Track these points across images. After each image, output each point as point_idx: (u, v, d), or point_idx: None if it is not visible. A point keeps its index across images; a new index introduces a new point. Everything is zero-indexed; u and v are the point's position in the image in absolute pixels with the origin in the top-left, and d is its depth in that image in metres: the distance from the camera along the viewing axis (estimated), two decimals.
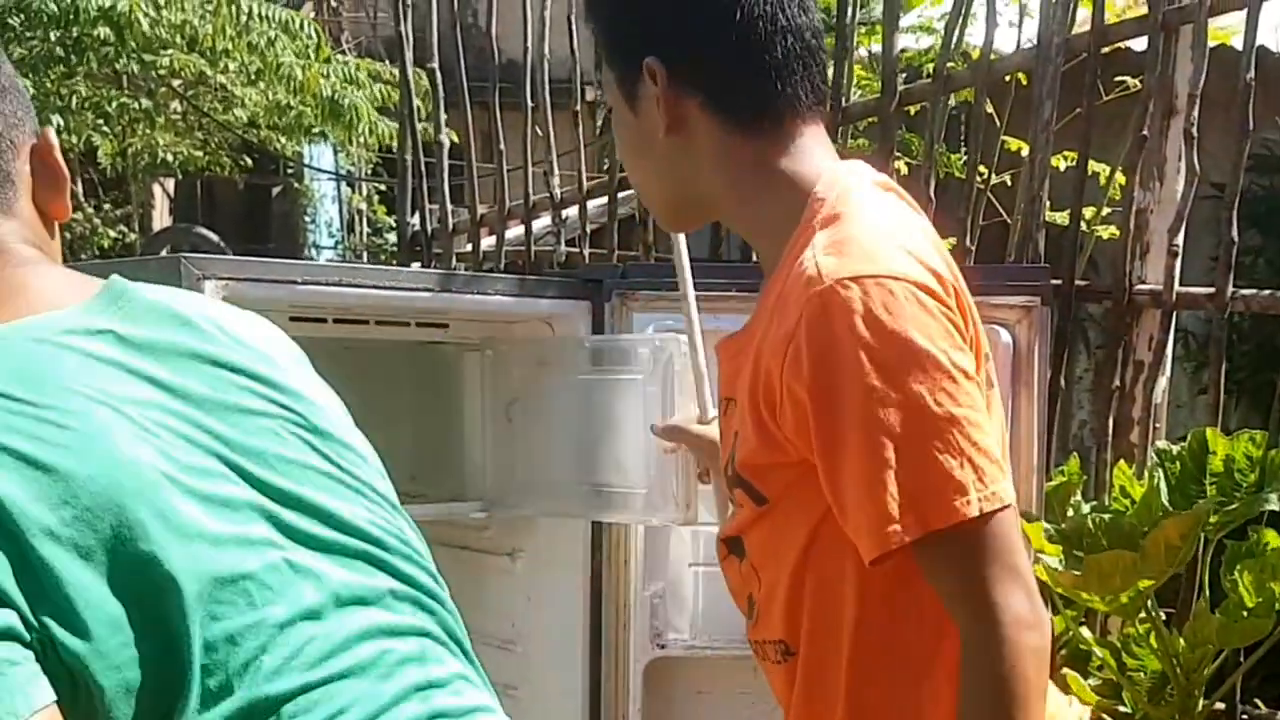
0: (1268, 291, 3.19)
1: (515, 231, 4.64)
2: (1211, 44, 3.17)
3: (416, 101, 4.59)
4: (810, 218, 1.32)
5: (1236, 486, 2.71)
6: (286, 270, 2.35)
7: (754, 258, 4.00)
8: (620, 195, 4.19)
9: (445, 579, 1.23)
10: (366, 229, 12.44)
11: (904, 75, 3.75)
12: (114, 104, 9.46)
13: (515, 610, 2.78)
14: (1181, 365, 5.61)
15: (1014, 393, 2.48)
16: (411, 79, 4.47)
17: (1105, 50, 3.37)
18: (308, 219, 13.12)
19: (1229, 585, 2.64)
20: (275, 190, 14.06)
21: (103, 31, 7.85)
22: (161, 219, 13.73)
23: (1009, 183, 4.09)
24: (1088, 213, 3.71)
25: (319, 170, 12.34)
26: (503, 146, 4.30)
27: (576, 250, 4.37)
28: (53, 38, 8.28)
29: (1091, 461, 3.31)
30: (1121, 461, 3.00)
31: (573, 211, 4.42)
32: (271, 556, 1.10)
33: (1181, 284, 3.22)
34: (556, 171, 4.28)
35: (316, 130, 9.96)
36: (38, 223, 1.23)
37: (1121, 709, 2.90)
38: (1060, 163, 3.84)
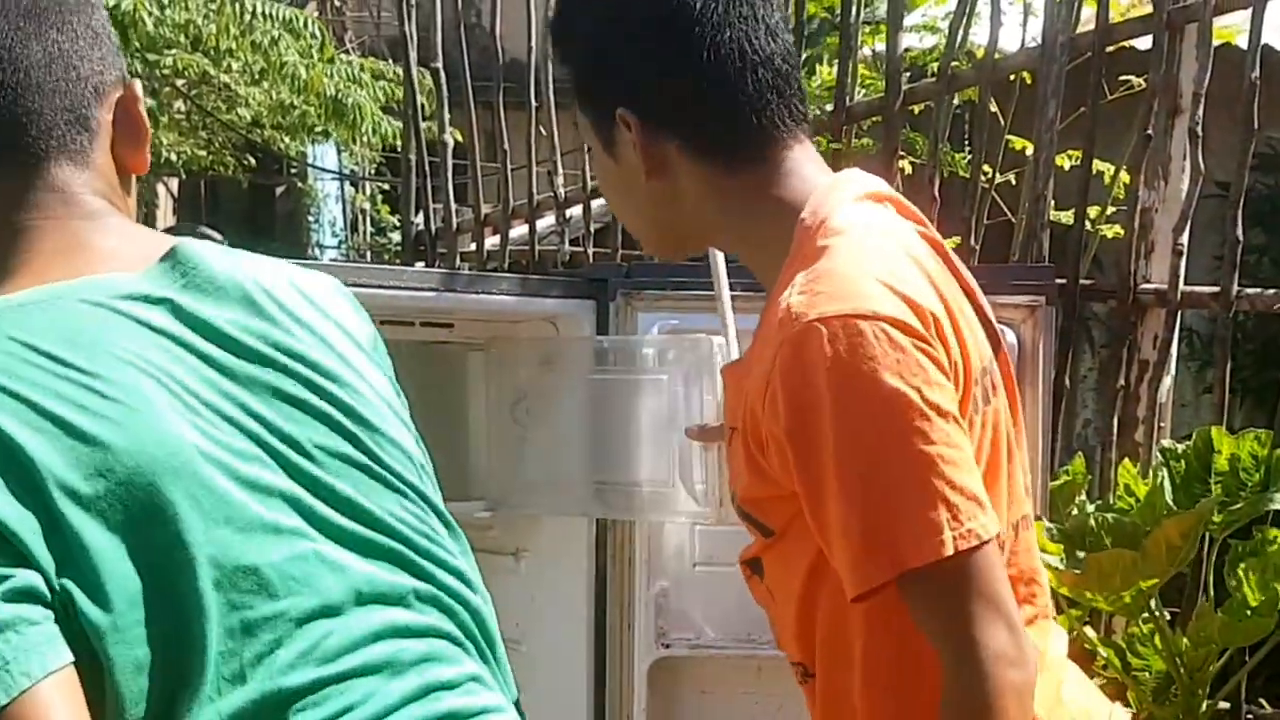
0: (1272, 290, 3.19)
1: (519, 231, 4.64)
2: (1216, 43, 3.17)
3: (420, 101, 4.58)
4: (797, 249, 1.32)
5: (1241, 486, 2.70)
6: None
7: None
8: None
9: None
10: (370, 228, 12.45)
11: (908, 74, 3.75)
12: None
13: (519, 610, 2.78)
14: (1186, 364, 5.60)
15: (1019, 392, 2.48)
16: (416, 78, 4.47)
17: (1110, 49, 3.37)
18: (311, 218, 13.13)
19: (1233, 584, 2.64)
20: (279, 190, 14.06)
21: None
22: (165, 218, 13.73)
23: (1013, 182, 4.08)
24: (1092, 212, 3.70)
25: (323, 170, 12.35)
26: (507, 146, 4.30)
27: (580, 249, 4.38)
28: None
29: (1096, 461, 3.31)
30: (1126, 460, 3.00)
31: (577, 211, 4.43)
32: (298, 547, 1.10)
33: (1186, 283, 3.22)
34: (560, 171, 4.29)
35: (320, 130, 9.97)
36: (112, 174, 1.21)
37: (1125, 708, 2.90)
38: (1065, 162, 3.83)
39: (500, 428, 2.75)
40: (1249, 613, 2.61)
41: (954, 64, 3.55)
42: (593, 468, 2.51)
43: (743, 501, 1.39)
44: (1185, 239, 3.20)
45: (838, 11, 3.88)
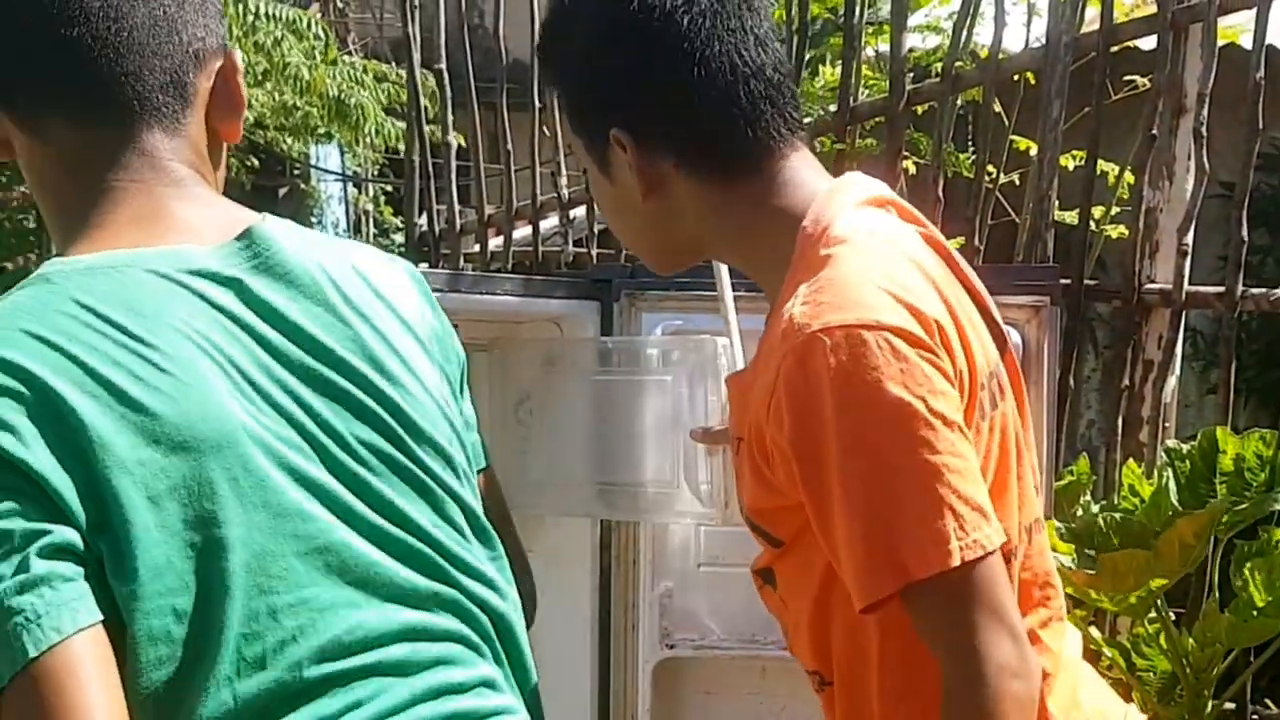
0: (1277, 291, 3.18)
1: (522, 232, 4.64)
2: (1220, 43, 3.17)
3: (424, 102, 4.59)
4: (800, 258, 1.31)
5: (1246, 486, 2.70)
6: None
7: None
8: None
9: None
10: (373, 230, 12.45)
11: (911, 75, 3.75)
12: None
13: None
14: (1190, 364, 5.60)
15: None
16: (419, 80, 4.47)
17: (1114, 49, 3.37)
18: (314, 220, 13.13)
19: (1239, 585, 2.63)
20: (282, 191, 14.06)
21: None
22: None
23: (1017, 182, 4.08)
24: (1096, 212, 3.70)
25: (325, 171, 12.35)
26: (510, 147, 4.30)
27: (584, 250, 4.37)
28: None
29: (1100, 461, 3.30)
30: (1131, 460, 3.00)
31: (580, 211, 4.42)
32: (329, 538, 1.11)
33: (1190, 283, 3.22)
34: (564, 172, 4.28)
35: (323, 131, 9.97)
36: (203, 144, 1.22)
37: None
38: (1069, 162, 3.83)
39: (504, 428, 2.75)
40: (1255, 613, 2.60)
41: (958, 64, 3.55)
42: (597, 468, 2.50)
43: (750, 512, 1.39)
44: (1190, 239, 3.20)
45: (841, 12, 3.88)
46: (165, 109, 1.18)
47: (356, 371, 1.17)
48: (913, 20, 4.39)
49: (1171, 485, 2.71)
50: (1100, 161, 3.48)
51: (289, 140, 10.92)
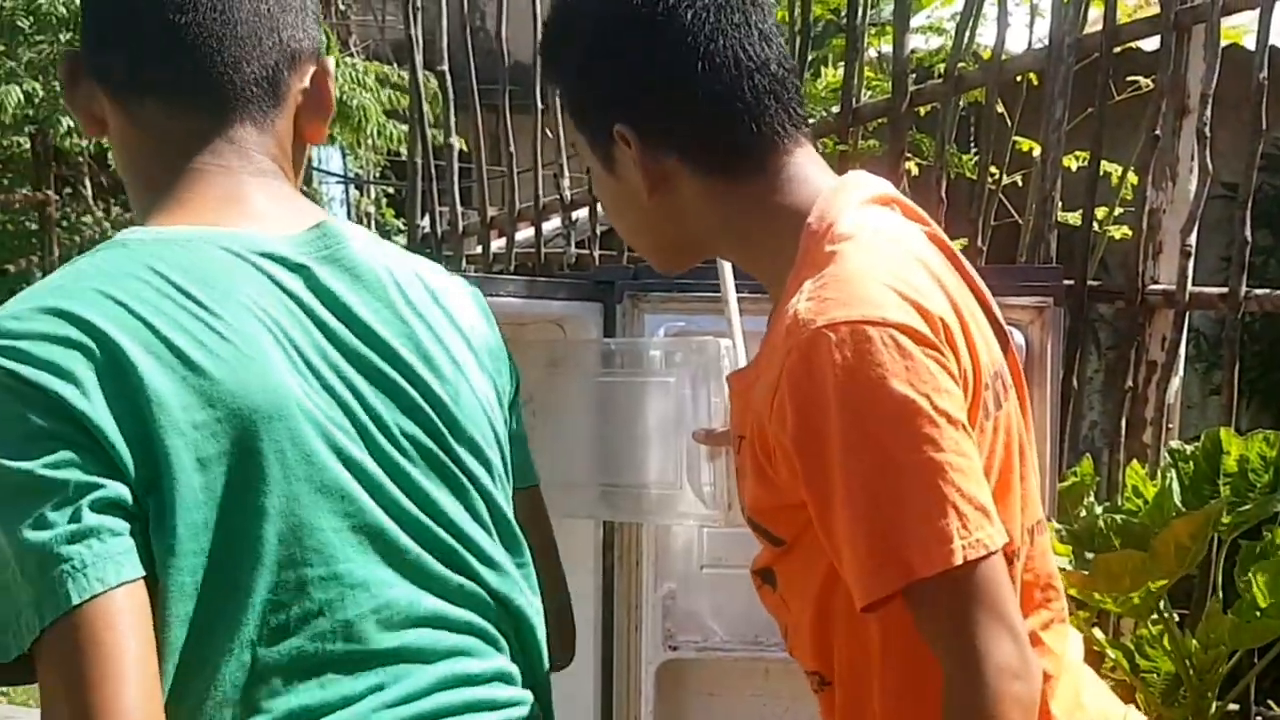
0: None
1: (525, 233, 4.64)
2: (1223, 43, 3.16)
3: (425, 104, 4.59)
4: (804, 255, 1.31)
5: (1250, 487, 2.69)
6: None
7: None
8: None
9: None
10: (375, 232, 12.46)
11: (914, 76, 3.74)
12: None
13: None
14: (1193, 365, 5.60)
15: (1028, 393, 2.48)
16: (421, 82, 4.47)
17: (1117, 50, 3.36)
18: None
19: (1243, 586, 2.63)
20: None
21: None
22: None
23: (1020, 183, 4.08)
24: (1099, 213, 3.69)
25: (327, 173, 12.34)
26: (512, 148, 4.30)
27: (586, 252, 4.37)
28: (62, 40, 8.30)
29: (1103, 462, 3.30)
30: (1135, 462, 2.99)
31: (583, 213, 4.42)
32: (364, 520, 1.15)
33: (1193, 284, 3.21)
34: (566, 173, 4.28)
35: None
36: (288, 142, 1.27)
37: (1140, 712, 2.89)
38: (1072, 163, 3.83)
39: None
40: (1258, 614, 2.60)
41: (961, 65, 3.55)
42: (600, 470, 2.50)
43: (752, 511, 1.39)
44: (1193, 240, 3.20)
45: (843, 13, 3.88)
46: (257, 103, 1.23)
47: (408, 366, 1.21)
48: (915, 21, 4.39)
49: (1175, 487, 2.70)
50: (1103, 162, 3.47)
51: None
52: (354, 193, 12.15)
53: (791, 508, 1.30)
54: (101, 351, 1.05)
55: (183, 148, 1.21)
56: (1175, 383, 3.31)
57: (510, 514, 1.31)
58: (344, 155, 11.65)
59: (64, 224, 11.40)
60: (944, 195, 3.46)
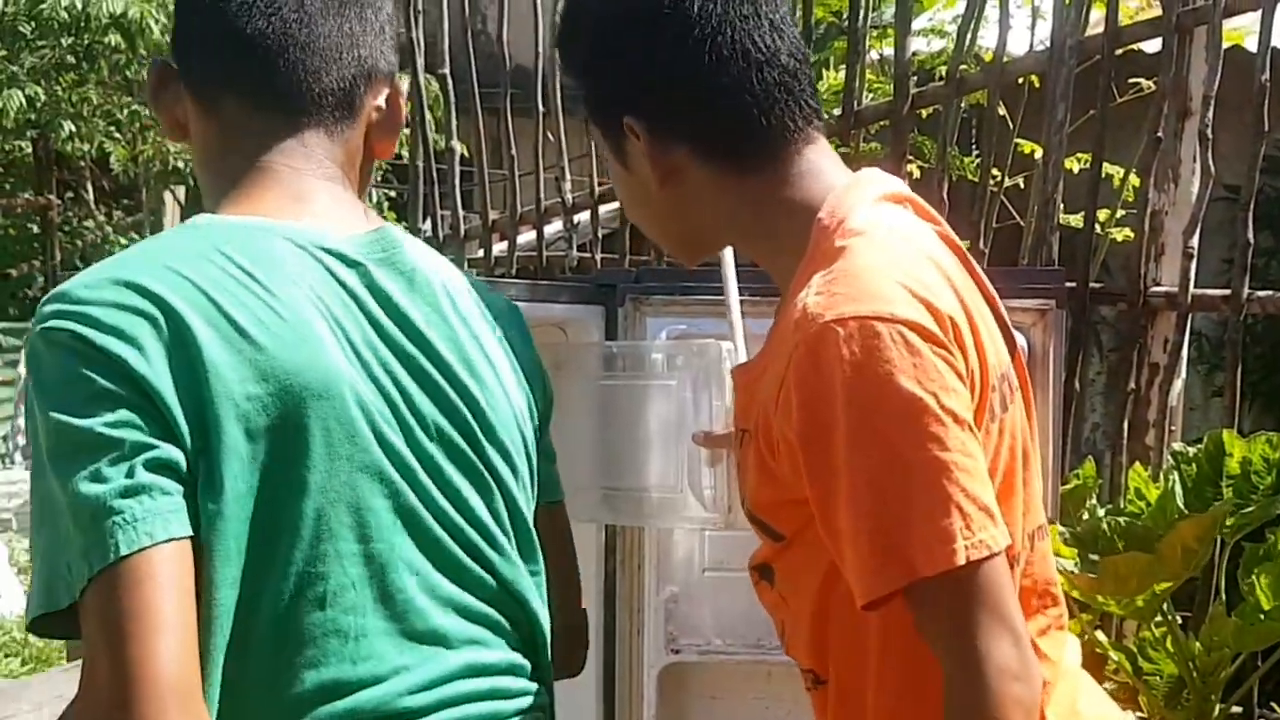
0: None
1: (527, 237, 4.64)
2: (1225, 45, 3.16)
3: (427, 107, 4.59)
4: (815, 248, 1.30)
5: (1253, 489, 2.69)
6: None
7: None
8: None
9: None
10: None
11: (915, 78, 3.74)
12: (125, 111, 9.50)
13: None
14: (1195, 367, 5.59)
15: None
16: (423, 85, 4.47)
17: (1119, 52, 3.36)
18: None
19: (1246, 588, 2.62)
20: None
21: (114, 39, 7.89)
22: (173, 226, 13.74)
23: (1022, 185, 4.07)
24: (1101, 215, 3.69)
25: None
26: (514, 152, 4.30)
27: (588, 255, 4.37)
28: (64, 45, 8.31)
29: (1106, 464, 3.29)
30: (1137, 464, 2.99)
31: (584, 216, 4.42)
32: (400, 501, 1.22)
33: (1195, 286, 3.21)
34: (568, 176, 4.28)
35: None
36: (357, 156, 1.36)
37: (1138, 714, 2.88)
38: (1074, 165, 3.83)
39: None
40: (1262, 617, 2.59)
41: (962, 67, 3.54)
42: (602, 473, 2.50)
43: (753, 506, 1.38)
44: (1195, 242, 3.19)
45: (845, 15, 3.88)
46: (331, 112, 1.32)
47: (450, 368, 1.28)
48: (917, 23, 4.39)
49: (1177, 489, 2.70)
50: (1105, 164, 3.47)
51: None
52: None
53: (793, 503, 1.29)
54: (166, 321, 1.12)
55: (257, 146, 1.29)
56: (1177, 385, 3.31)
57: (530, 522, 1.36)
58: None
59: (66, 228, 11.43)
60: (946, 198, 3.46)
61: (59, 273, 10.33)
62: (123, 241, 11.87)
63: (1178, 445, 2.97)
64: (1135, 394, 3.29)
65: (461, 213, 4.54)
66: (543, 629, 1.36)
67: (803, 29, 3.82)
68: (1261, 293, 3.15)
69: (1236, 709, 2.91)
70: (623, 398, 2.43)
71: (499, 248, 4.65)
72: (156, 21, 7.78)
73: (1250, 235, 3.08)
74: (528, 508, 1.36)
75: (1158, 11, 3.35)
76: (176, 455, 1.10)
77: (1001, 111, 3.61)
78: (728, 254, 2.00)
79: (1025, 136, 3.95)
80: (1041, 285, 2.55)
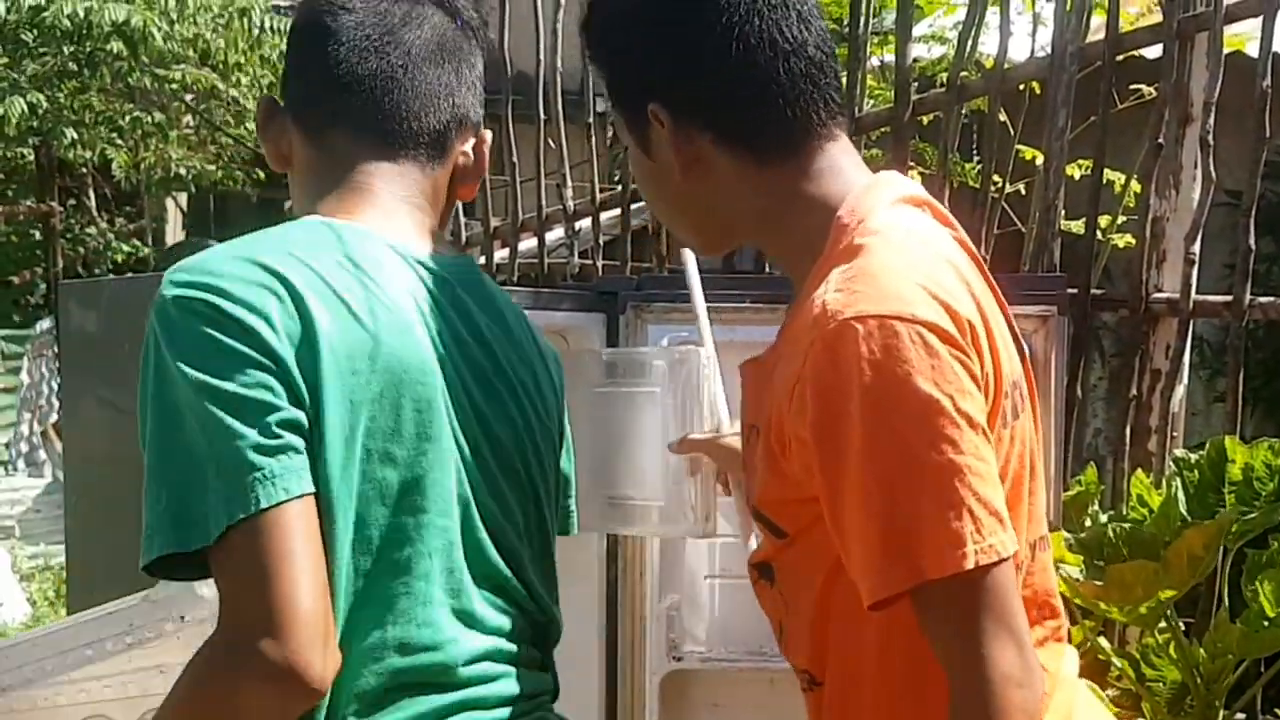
0: None
1: (528, 244, 4.64)
2: (1226, 50, 3.16)
3: None
4: (833, 246, 1.30)
5: (1256, 495, 2.69)
6: None
7: (767, 268, 3.97)
8: (633, 207, 4.19)
9: None
10: None
11: (916, 85, 3.74)
12: (127, 118, 9.52)
13: None
14: (1197, 373, 5.59)
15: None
16: None
17: (1120, 58, 3.36)
18: None
19: (1249, 595, 2.62)
20: (287, 204, 14.08)
21: (116, 46, 7.91)
22: (175, 233, 13.77)
23: (1023, 191, 4.07)
24: (1103, 221, 3.69)
25: None
26: (515, 159, 4.30)
27: (590, 262, 4.37)
28: (66, 52, 8.33)
29: (1108, 470, 3.29)
30: (1139, 470, 2.98)
31: (586, 223, 4.42)
32: (461, 491, 1.35)
33: (1197, 290, 3.20)
34: (569, 183, 4.28)
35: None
36: (441, 194, 1.49)
37: None
38: (1075, 171, 3.83)
39: None
40: (1266, 623, 2.59)
41: (963, 74, 3.55)
42: (603, 482, 2.50)
43: (759, 502, 1.37)
44: (1197, 248, 3.19)
45: (846, 22, 3.88)
46: (426, 150, 1.45)
47: (511, 385, 1.43)
48: (918, 30, 4.39)
49: (1180, 495, 2.70)
50: (1106, 170, 3.46)
51: None
52: None
53: (801, 501, 1.29)
54: (289, 298, 1.24)
55: (357, 170, 1.43)
56: (1179, 391, 3.30)
57: (552, 533, 1.53)
58: None
59: (68, 235, 11.44)
60: (947, 204, 3.45)
61: (61, 280, 10.33)
62: (125, 248, 11.90)
63: (1180, 451, 2.96)
64: (1137, 400, 3.29)
65: (463, 220, 4.54)
66: (556, 627, 1.51)
67: None
68: (1264, 299, 3.15)
69: (1240, 715, 2.90)
70: (623, 405, 2.42)
71: (500, 255, 4.66)
72: (159, 29, 7.78)
73: (1252, 241, 3.08)
74: (551, 522, 1.51)
75: (1159, 18, 3.35)
76: (300, 417, 1.22)
77: (1002, 118, 3.61)
78: (690, 261, 2.01)
79: (1026, 143, 3.94)
80: (1043, 292, 2.56)
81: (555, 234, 4.74)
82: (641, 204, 4.29)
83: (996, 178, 3.60)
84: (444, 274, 1.40)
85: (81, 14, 7.62)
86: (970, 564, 1.16)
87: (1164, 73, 3.25)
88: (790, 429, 1.26)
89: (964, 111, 3.67)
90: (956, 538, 1.17)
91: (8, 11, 7.66)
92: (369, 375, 1.26)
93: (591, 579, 2.65)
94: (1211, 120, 3.12)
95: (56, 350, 7.94)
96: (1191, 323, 3.27)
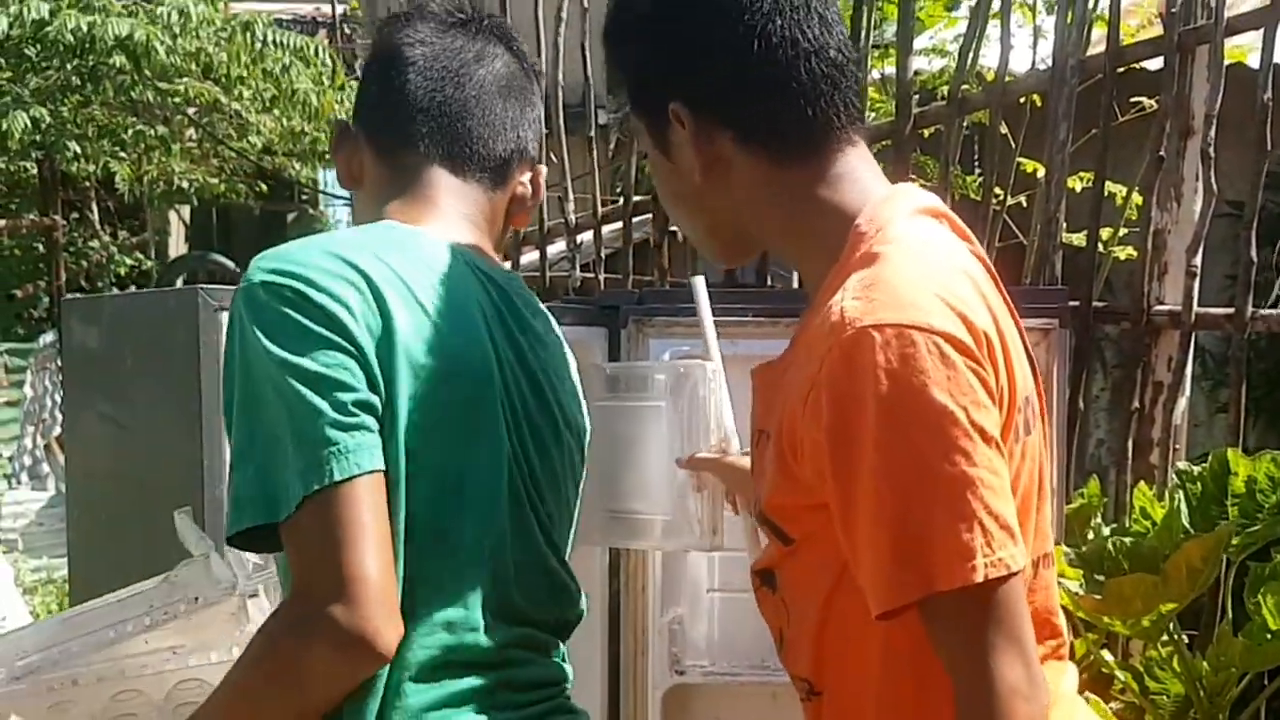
0: None
1: (530, 257, 4.64)
2: (1227, 62, 3.16)
3: None
4: (850, 253, 1.30)
5: (1259, 508, 2.69)
6: None
7: (769, 281, 3.96)
8: (635, 220, 4.19)
9: None
10: None
11: (918, 97, 3.75)
12: (130, 132, 9.53)
13: None
14: (1199, 383, 5.58)
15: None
16: None
17: (1120, 71, 3.36)
18: None
19: (1252, 608, 2.62)
20: (290, 216, 14.10)
21: (119, 60, 7.92)
22: (178, 246, 13.80)
23: (1025, 204, 4.07)
24: (1104, 233, 3.69)
25: (333, 195, 12.38)
26: None
27: (591, 275, 4.37)
28: (69, 67, 8.34)
29: (1110, 482, 3.29)
30: (1142, 483, 2.98)
31: (588, 236, 4.43)
32: (511, 487, 1.43)
33: (1199, 300, 3.20)
34: (571, 196, 4.29)
35: (331, 156, 10.00)
36: (498, 218, 1.60)
37: None
38: (1076, 184, 3.83)
39: None
40: (1269, 636, 2.59)
41: (964, 87, 3.55)
42: (605, 495, 2.50)
43: (767, 508, 1.37)
44: (1199, 261, 3.19)
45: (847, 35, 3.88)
46: (489, 177, 1.57)
47: (557, 394, 1.54)
48: (918, 43, 4.39)
49: (1183, 508, 2.70)
50: (1108, 183, 3.47)
51: (297, 165, 10.96)
52: None
53: (809, 507, 1.29)
54: (370, 292, 1.33)
55: (426, 186, 1.54)
56: (1182, 403, 3.30)
57: (573, 538, 1.62)
58: None
59: (71, 248, 11.44)
60: None
61: (64, 293, 10.34)
62: (128, 261, 11.91)
63: (1182, 464, 2.96)
64: (1139, 413, 3.29)
65: None
66: (577, 616, 1.60)
67: None
68: (1265, 311, 3.15)
69: None
70: (623, 419, 2.42)
71: None
72: (161, 43, 7.80)
73: (1253, 253, 3.08)
74: (573, 526, 1.61)
75: (1159, 30, 3.35)
76: (375, 400, 1.31)
77: (1004, 130, 3.61)
78: (700, 284, 2.05)
79: (1027, 155, 3.95)
80: (1045, 305, 2.56)
81: (557, 247, 4.74)
82: (643, 217, 4.30)
83: (998, 190, 3.60)
84: (501, 283, 1.51)
85: (85, 29, 7.63)
86: (980, 577, 1.16)
87: (1165, 85, 3.25)
88: (804, 433, 1.26)
89: (965, 124, 3.67)
90: (967, 550, 1.17)
91: (11, 27, 7.68)
92: (435, 370, 1.35)
93: (594, 593, 2.64)
94: (1213, 133, 3.13)
95: (60, 364, 7.94)
96: (1193, 335, 3.27)
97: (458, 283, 1.43)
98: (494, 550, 1.42)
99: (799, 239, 1.38)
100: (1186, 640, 2.82)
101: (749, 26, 1.32)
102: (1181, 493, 2.74)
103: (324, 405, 1.27)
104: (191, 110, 9.65)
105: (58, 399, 8.65)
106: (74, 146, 9.02)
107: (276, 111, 9.13)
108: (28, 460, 8.98)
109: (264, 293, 1.32)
